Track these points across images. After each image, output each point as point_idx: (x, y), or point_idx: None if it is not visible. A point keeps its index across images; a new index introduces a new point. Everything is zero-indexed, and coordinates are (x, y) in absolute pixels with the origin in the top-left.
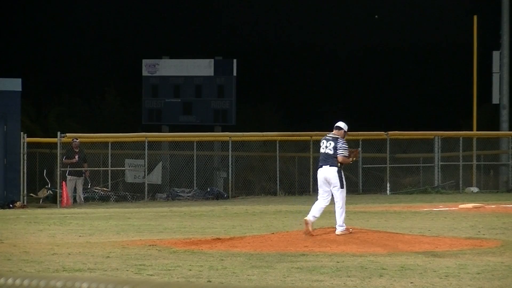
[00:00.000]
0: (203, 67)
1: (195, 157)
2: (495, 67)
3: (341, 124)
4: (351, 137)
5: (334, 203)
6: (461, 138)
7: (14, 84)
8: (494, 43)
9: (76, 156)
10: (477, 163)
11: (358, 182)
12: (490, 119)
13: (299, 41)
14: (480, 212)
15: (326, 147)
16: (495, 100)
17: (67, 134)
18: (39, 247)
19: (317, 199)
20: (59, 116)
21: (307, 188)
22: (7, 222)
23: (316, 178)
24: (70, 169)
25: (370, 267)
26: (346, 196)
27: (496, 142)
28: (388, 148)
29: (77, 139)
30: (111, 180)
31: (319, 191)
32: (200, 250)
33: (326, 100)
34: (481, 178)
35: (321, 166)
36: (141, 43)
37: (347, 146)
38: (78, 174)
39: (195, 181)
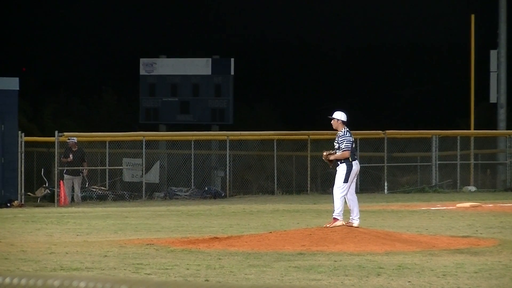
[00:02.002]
0: (200, 66)
1: (192, 156)
2: (493, 66)
3: None
4: None
5: (353, 195)
6: (458, 137)
7: (12, 83)
8: (492, 42)
9: (71, 155)
10: (474, 162)
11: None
12: (488, 118)
13: (296, 40)
14: (477, 211)
15: None
16: (493, 99)
17: (65, 133)
18: (37, 246)
19: (348, 197)
20: (56, 115)
21: (304, 187)
22: (4, 221)
23: (315, 176)
24: (67, 168)
25: (367, 266)
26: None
27: (494, 141)
28: (385, 147)
29: (73, 138)
30: (108, 179)
31: (349, 185)
32: (197, 249)
33: (323, 99)
34: (478, 177)
35: (356, 159)
36: (138, 42)
37: None
38: (75, 173)
39: (192, 180)
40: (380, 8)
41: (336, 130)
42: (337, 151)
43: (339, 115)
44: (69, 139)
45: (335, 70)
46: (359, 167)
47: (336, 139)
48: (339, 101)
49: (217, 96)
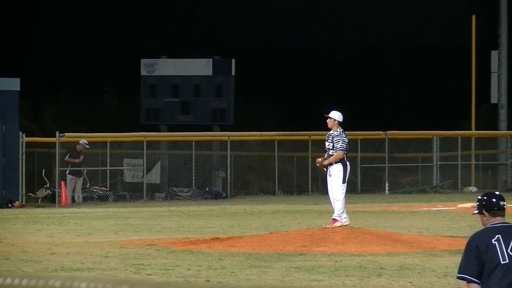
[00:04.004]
0: (201, 67)
1: (193, 157)
2: (494, 67)
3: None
4: (350, 136)
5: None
6: (459, 138)
7: (12, 84)
8: (493, 42)
9: (81, 157)
10: (475, 162)
11: (356, 181)
12: (489, 119)
13: (297, 40)
14: None
15: None
16: (494, 99)
17: (65, 134)
18: (38, 247)
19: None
20: (57, 116)
21: (305, 188)
22: (5, 222)
23: (316, 176)
24: (71, 168)
25: (368, 266)
26: (345, 195)
27: (495, 142)
28: (386, 148)
29: (87, 144)
30: (109, 179)
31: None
32: (198, 249)
33: (324, 99)
34: (479, 177)
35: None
36: (139, 42)
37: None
38: (79, 174)
39: (193, 181)
40: (381, 9)
41: (331, 129)
42: (330, 150)
43: (337, 115)
44: (84, 144)
45: (336, 71)
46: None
47: (329, 138)
48: (340, 101)
49: (218, 97)
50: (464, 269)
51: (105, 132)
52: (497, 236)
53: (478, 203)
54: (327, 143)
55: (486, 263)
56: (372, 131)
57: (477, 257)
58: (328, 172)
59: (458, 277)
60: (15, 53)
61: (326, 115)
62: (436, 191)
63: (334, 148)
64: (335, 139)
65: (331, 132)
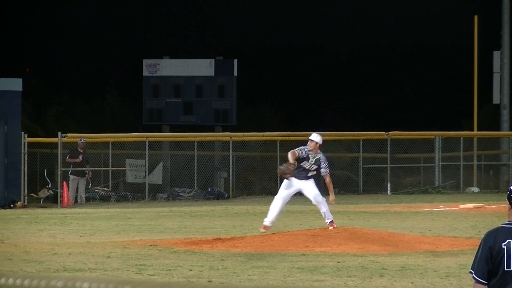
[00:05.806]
0: (203, 67)
1: (195, 157)
2: (496, 67)
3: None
4: (352, 137)
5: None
6: (461, 138)
7: (15, 84)
8: (495, 43)
9: (80, 156)
10: (477, 163)
11: (358, 182)
12: (491, 119)
13: (299, 41)
14: (480, 212)
15: None
16: (496, 100)
17: (68, 134)
18: (40, 247)
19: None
20: (59, 116)
21: None
22: (7, 222)
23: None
24: (73, 169)
25: (370, 267)
26: (347, 195)
27: (497, 142)
28: (388, 148)
29: (84, 140)
30: (111, 180)
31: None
32: (200, 250)
33: (326, 100)
34: (481, 178)
35: None
36: (141, 43)
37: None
38: (81, 174)
39: (195, 181)
40: (383, 9)
41: (310, 151)
42: (310, 172)
43: (319, 138)
44: (80, 140)
45: (339, 71)
46: None
47: (311, 160)
48: (342, 102)
49: (221, 97)
50: (475, 268)
51: (107, 132)
52: (508, 240)
53: (508, 192)
54: (308, 164)
55: (493, 265)
56: (374, 131)
57: (488, 258)
58: (292, 179)
59: (470, 272)
60: (18, 53)
61: (311, 139)
62: (438, 191)
63: (324, 173)
64: (323, 164)
65: (312, 153)
